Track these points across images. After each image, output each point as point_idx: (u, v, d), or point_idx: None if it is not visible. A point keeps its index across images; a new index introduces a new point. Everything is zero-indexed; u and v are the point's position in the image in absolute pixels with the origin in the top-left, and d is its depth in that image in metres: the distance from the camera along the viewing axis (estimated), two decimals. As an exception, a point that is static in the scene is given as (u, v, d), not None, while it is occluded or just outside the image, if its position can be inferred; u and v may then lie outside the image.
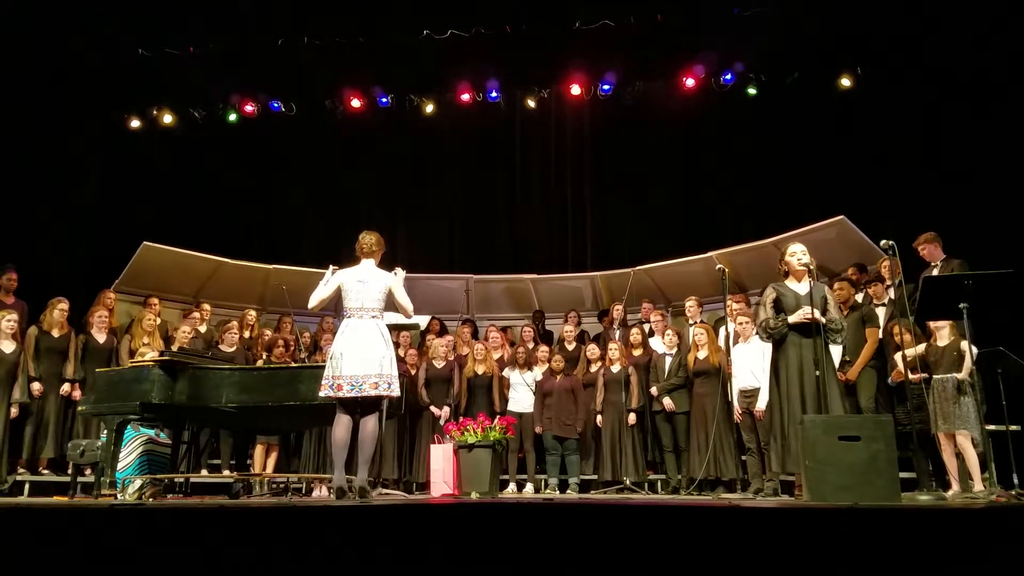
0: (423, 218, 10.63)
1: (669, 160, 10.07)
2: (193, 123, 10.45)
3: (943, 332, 5.55)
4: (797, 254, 5.02)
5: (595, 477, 7.28)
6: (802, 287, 4.92)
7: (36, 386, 6.79)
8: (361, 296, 4.69)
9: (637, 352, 7.49)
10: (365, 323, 4.65)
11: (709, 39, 9.52)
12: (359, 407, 4.61)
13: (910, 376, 5.64)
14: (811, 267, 4.96)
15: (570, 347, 8.06)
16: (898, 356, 5.89)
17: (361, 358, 4.54)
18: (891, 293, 6.52)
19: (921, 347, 5.62)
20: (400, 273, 4.89)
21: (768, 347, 6.44)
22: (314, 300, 4.79)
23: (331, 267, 4.90)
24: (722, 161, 9.79)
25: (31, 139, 8.69)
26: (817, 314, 4.76)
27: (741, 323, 6.60)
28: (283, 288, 7.89)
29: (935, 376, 5.48)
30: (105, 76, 9.59)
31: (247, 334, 7.99)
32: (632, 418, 7.10)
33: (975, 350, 5.37)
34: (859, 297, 6.81)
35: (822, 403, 4.64)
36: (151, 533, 3.04)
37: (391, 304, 4.84)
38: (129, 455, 5.81)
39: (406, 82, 10.30)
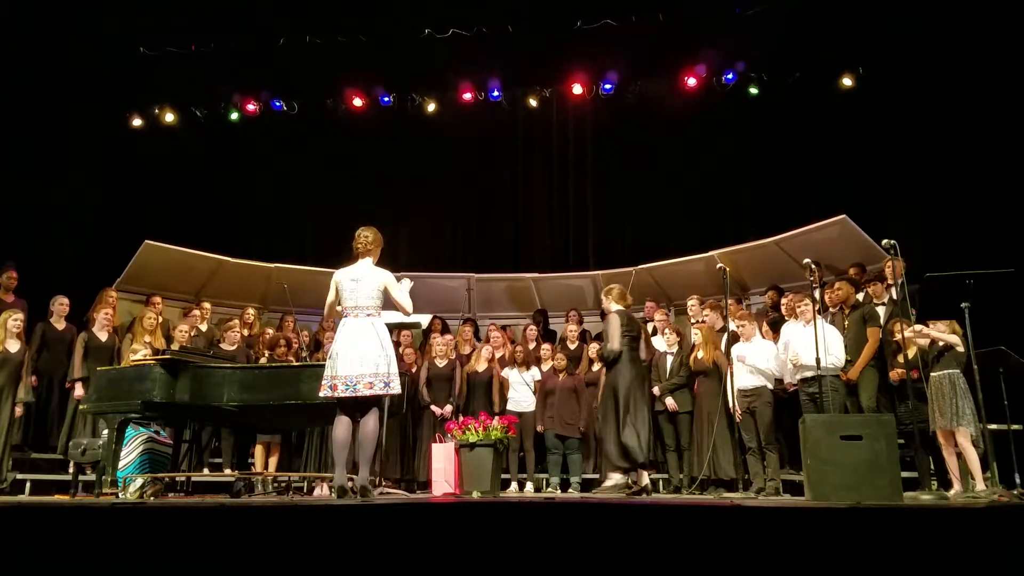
0: (425, 217, 10.63)
1: (671, 159, 10.07)
2: (195, 122, 10.45)
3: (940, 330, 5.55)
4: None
5: (597, 476, 7.27)
6: None
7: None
8: (355, 295, 4.67)
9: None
10: (360, 322, 4.63)
11: (710, 38, 9.52)
12: (358, 406, 4.61)
13: (908, 372, 5.64)
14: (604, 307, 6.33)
15: (572, 346, 8.06)
16: (900, 359, 5.88)
17: (355, 358, 4.52)
18: (894, 292, 6.52)
19: (924, 341, 5.61)
20: (406, 283, 4.91)
21: (771, 344, 6.51)
22: (325, 311, 4.88)
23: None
24: (724, 160, 9.79)
25: (33, 138, 8.69)
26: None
27: (741, 324, 6.59)
28: (284, 287, 7.91)
29: (932, 373, 5.48)
30: (107, 75, 9.60)
31: (247, 332, 7.99)
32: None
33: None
34: (860, 296, 6.81)
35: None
36: (152, 532, 3.04)
37: (391, 302, 4.83)
38: (130, 454, 5.81)
39: (408, 81, 10.30)
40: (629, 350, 6.06)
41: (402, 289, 4.84)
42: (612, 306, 6.26)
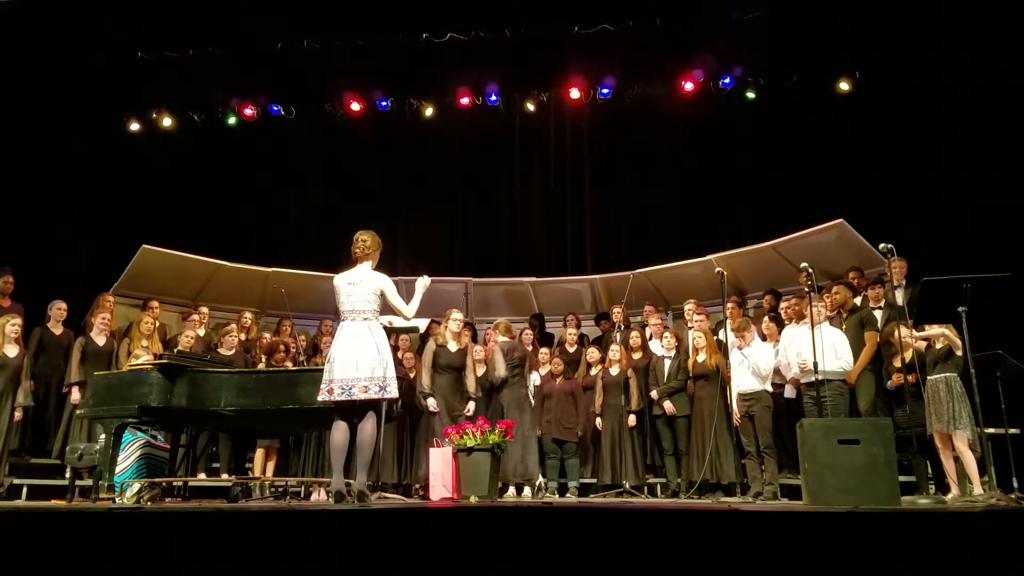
0: (423, 221, 10.62)
1: (668, 163, 10.08)
2: (192, 126, 10.44)
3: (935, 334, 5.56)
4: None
5: (594, 480, 7.27)
6: None
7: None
8: (352, 299, 4.67)
9: (637, 355, 7.48)
10: (357, 326, 4.63)
11: (708, 43, 9.54)
12: (355, 411, 4.59)
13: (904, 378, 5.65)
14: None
15: (571, 349, 8.05)
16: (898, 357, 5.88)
17: (351, 362, 4.52)
18: (899, 295, 6.53)
19: (921, 344, 5.63)
20: (425, 280, 4.98)
21: (770, 348, 6.51)
22: None
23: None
24: (721, 165, 9.79)
25: (31, 142, 8.68)
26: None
27: (742, 334, 6.59)
28: (282, 291, 7.89)
29: (929, 377, 5.49)
30: (105, 79, 9.59)
31: (244, 336, 7.98)
32: (632, 420, 7.10)
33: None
34: (857, 300, 6.82)
35: None
36: (149, 537, 3.04)
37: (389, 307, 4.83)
38: (127, 458, 5.79)
39: (405, 85, 10.29)
40: (511, 376, 7.09)
41: (417, 289, 4.91)
42: (499, 338, 7.29)
